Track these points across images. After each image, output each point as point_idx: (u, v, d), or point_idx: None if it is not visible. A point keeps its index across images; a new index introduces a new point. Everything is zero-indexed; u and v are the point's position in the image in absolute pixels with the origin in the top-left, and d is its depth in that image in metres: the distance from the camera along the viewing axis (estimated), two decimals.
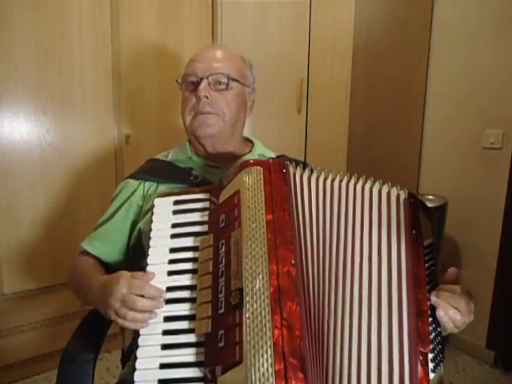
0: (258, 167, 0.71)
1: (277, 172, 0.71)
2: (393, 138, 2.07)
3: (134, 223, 0.93)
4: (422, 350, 0.62)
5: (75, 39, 1.56)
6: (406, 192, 0.74)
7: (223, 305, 0.64)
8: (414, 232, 0.70)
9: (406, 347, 0.61)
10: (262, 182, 0.70)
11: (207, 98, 0.90)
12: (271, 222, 0.66)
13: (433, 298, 0.66)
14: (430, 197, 1.92)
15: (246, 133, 1.08)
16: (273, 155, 1.04)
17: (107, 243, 0.93)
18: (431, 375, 0.61)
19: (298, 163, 0.77)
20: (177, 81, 0.97)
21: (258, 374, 0.55)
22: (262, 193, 0.68)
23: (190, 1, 1.75)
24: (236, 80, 0.94)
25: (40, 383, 1.66)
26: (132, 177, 0.97)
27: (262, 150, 1.04)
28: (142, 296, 0.66)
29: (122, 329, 1.01)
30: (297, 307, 0.60)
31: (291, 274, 0.62)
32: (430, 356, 0.63)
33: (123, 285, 0.67)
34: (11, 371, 1.62)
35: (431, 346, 0.63)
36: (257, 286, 0.61)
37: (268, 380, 0.55)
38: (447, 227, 1.92)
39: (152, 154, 1.07)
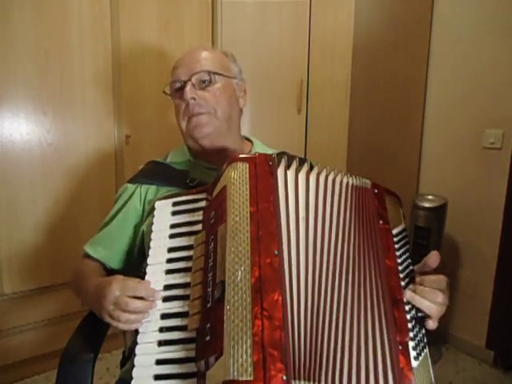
0: (244, 162, 0.72)
1: (262, 164, 0.71)
2: (393, 137, 2.06)
3: (136, 227, 0.94)
4: (401, 339, 0.62)
5: (75, 39, 1.56)
6: (370, 183, 0.76)
7: (210, 299, 0.64)
8: (381, 222, 0.71)
9: (385, 338, 0.62)
10: (247, 175, 0.70)
11: (194, 99, 0.90)
12: (255, 214, 0.66)
13: (408, 293, 0.66)
14: (430, 197, 1.92)
15: (247, 133, 1.08)
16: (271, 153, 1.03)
17: (107, 248, 0.94)
18: (415, 363, 0.62)
19: (298, 159, 0.77)
20: (164, 92, 0.98)
21: (236, 365, 0.55)
22: (247, 186, 0.68)
23: (189, 1, 1.75)
24: (218, 73, 0.94)
25: (40, 383, 1.66)
26: (130, 181, 0.98)
27: (261, 149, 1.03)
28: (135, 297, 0.67)
29: (124, 331, 1.01)
30: (279, 297, 0.59)
31: (274, 265, 0.62)
32: (412, 344, 0.63)
33: (116, 287, 0.68)
34: (11, 371, 1.62)
35: (411, 334, 0.64)
36: (238, 278, 0.61)
37: (246, 371, 0.54)
38: (447, 227, 1.92)
39: (152, 154, 1.07)
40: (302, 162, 0.76)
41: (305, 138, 1.95)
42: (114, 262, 0.94)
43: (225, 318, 0.59)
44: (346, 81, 1.87)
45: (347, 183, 0.74)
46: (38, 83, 1.51)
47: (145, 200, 0.94)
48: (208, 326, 0.62)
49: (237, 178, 0.70)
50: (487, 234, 1.90)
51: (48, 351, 1.64)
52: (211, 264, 0.67)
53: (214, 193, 0.75)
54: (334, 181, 0.74)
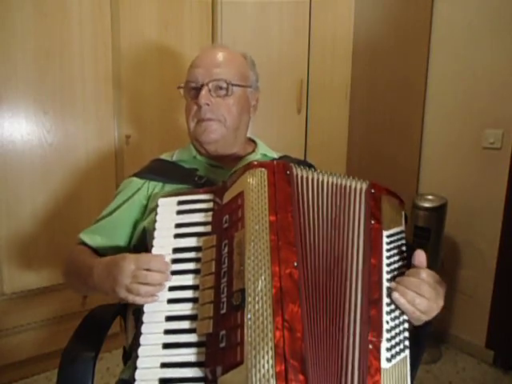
0: (263, 169, 0.71)
1: (281, 173, 0.71)
2: (393, 138, 2.07)
3: (136, 222, 0.93)
4: (373, 338, 0.62)
5: (75, 39, 1.56)
6: (367, 183, 0.75)
7: (225, 305, 0.64)
8: (373, 222, 0.71)
9: (357, 337, 0.62)
10: (266, 183, 0.70)
11: (208, 105, 0.90)
12: (274, 224, 0.66)
13: (392, 284, 0.66)
14: (430, 197, 1.92)
15: (247, 133, 1.08)
16: (275, 155, 1.04)
17: (106, 238, 0.93)
18: (387, 364, 0.62)
19: (301, 164, 0.77)
20: (179, 87, 0.97)
21: (258, 375, 0.55)
22: (266, 194, 0.68)
23: (190, 1, 1.75)
24: (236, 85, 0.94)
25: (40, 383, 1.66)
26: (137, 175, 0.97)
27: (265, 150, 1.04)
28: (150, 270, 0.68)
29: (124, 327, 1.01)
30: (299, 309, 0.60)
31: (293, 276, 0.62)
32: (388, 345, 0.63)
33: (130, 262, 0.68)
34: (11, 371, 1.62)
35: (388, 336, 0.63)
36: (259, 287, 0.61)
37: (268, 381, 0.55)
38: (447, 227, 1.92)
39: (152, 154, 1.07)
40: (308, 166, 0.76)
41: (305, 138, 1.95)
42: (110, 253, 0.91)
43: (245, 326, 0.59)
44: (346, 81, 1.87)
45: (329, 183, 0.74)
46: (39, 83, 1.51)
47: (150, 196, 0.93)
48: (223, 332, 0.62)
49: (255, 184, 0.70)
50: (487, 234, 1.90)
51: (48, 351, 1.64)
52: (225, 270, 0.67)
53: (227, 196, 0.75)
54: (322, 182, 0.74)
